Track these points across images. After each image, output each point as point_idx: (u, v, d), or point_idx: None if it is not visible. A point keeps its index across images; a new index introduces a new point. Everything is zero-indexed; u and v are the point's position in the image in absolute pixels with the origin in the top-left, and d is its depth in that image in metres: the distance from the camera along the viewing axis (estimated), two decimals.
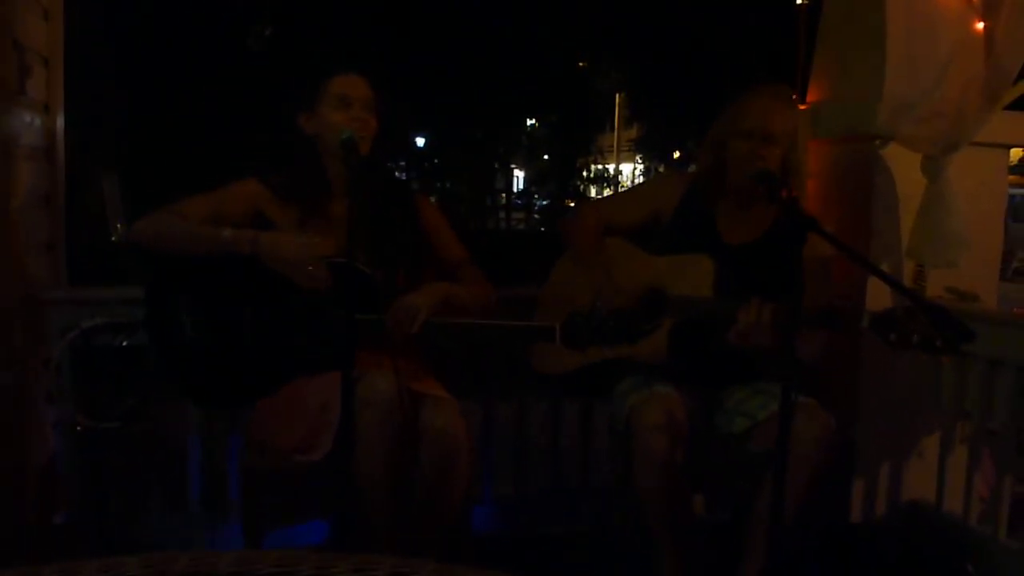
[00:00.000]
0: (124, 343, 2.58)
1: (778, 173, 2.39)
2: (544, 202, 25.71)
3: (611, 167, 28.88)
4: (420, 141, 18.35)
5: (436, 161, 18.78)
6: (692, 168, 2.96)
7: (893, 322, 2.10)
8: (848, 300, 2.29)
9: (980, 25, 2.72)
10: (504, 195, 25.99)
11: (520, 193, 28.44)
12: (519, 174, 28.88)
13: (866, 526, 3.02)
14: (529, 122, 22.97)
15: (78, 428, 2.59)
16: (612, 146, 29.59)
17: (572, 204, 22.89)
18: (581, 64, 18.15)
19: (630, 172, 30.07)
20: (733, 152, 2.47)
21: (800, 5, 3.10)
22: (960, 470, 2.84)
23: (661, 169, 23.12)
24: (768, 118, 2.42)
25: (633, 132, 26.55)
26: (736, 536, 2.41)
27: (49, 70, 2.88)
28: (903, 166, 2.89)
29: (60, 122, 2.93)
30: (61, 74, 2.93)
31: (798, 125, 2.47)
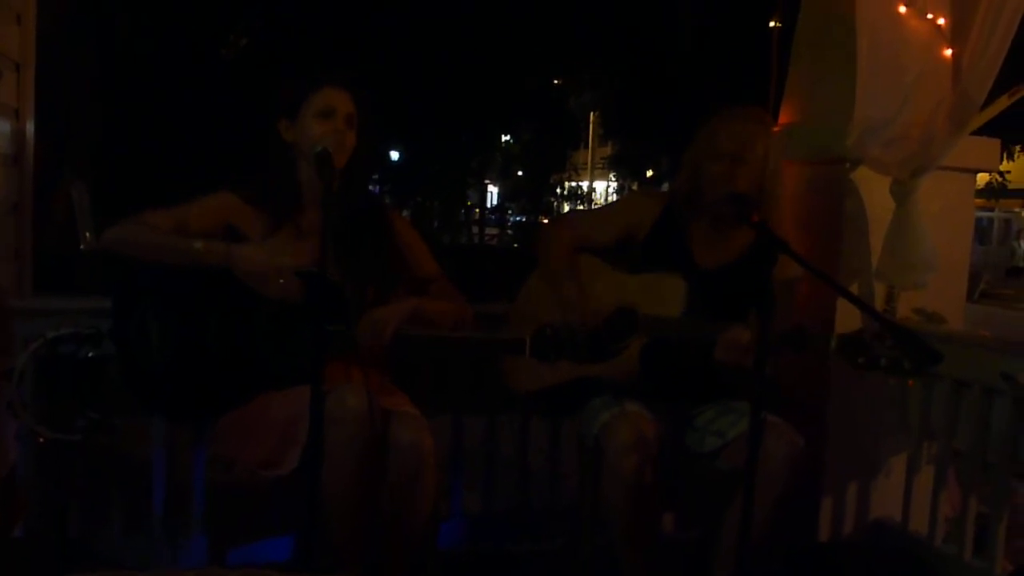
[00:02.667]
0: (89, 354, 2.54)
1: (752, 195, 2.41)
2: (518, 218, 25.75)
3: (585, 184, 29.03)
4: (394, 155, 18.33)
5: (410, 175, 18.75)
6: (666, 187, 2.99)
7: (861, 345, 2.12)
8: (815, 322, 2.32)
9: (948, 52, 2.76)
10: (478, 210, 26.02)
11: (494, 209, 28.49)
12: (493, 189, 28.94)
13: (833, 545, 3.03)
14: (504, 138, 23.02)
15: (40, 440, 2.55)
16: (586, 163, 29.76)
17: (545, 220, 22.97)
18: (556, 81, 18.24)
19: (603, 189, 30.22)
20: (707, 174, 2.48)
21: (773, 28, 3.13)
22: (926, 490, 2.86)
23: (635, 187, 23.24)
24: (742, 140, 2.44)
25: (607, 150, 26.71)
26: (704, 554, 2.42)
27: (21, 75, 2.85)
28: (873, 189, 2.92)
29: (30, 128, 2.90)
30: (32, 80, 2.90)
31: (772, 148, 2.48)
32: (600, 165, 29.17)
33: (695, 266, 2.52)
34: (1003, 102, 2.85)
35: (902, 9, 2.75)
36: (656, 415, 2.39)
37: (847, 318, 2.75)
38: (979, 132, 2.94)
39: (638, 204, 2.78)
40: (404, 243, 2.53)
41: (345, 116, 2.35)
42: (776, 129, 3.19)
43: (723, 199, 2.28)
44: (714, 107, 2.56)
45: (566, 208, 25.78)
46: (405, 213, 17.93)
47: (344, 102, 2.36)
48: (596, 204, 27.30)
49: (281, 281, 2.22)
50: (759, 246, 2.53)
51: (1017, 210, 22.89)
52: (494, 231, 26.33)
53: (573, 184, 27.09)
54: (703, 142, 2.51)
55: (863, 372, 2.13)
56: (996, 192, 16.35)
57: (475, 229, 24.96)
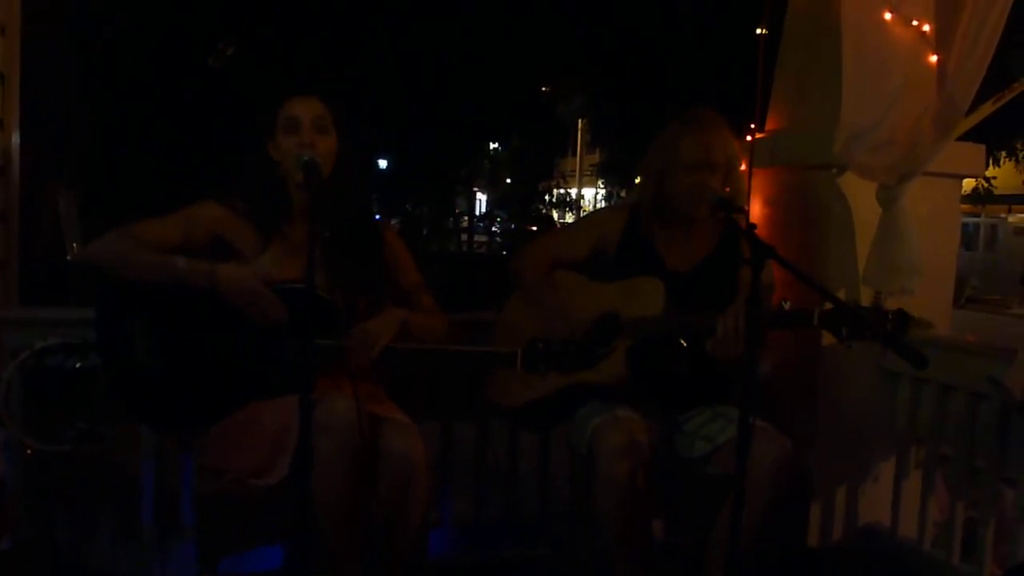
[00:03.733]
0: (77, 364, 2.53)
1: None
2: (506, 226, 25.73)
3: (573, 191, 29.05)
4: (383, 163, 18.31)
5: (399, 183, 18.73)
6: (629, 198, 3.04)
7: (844, 316, 2.15)
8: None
9: (933, 58, 2.78)
10: (466, 218, 26.00)
11: (483, 216, 28.47)
12: (482, 197, 28.94)
13: (823, 550, 3.04)
14: (492, 146, 23.03)
15: (28, 451, 2.54)
16: (575, 171, 29.79)
17: (534, 228, 22.97)
18: (544, 89, 18.27)
19: (592, 196, 30.26)
20: (679, 184, 2.51)
21: (759, 35, 3.15)
22: (914, 495, 2.88)
23: (623, 194, 23.30)
24: (712, 149, 2.48)
25: (595, 157, 26.73)
26: (695, 560, 2.42)
27: (5, 86, 2.84)
28: (859, 195, 2.93)
29: (15, 139, 2.88)
30: (17, 90, 2.89)
31: (736, 147, 2.54)
32: (588, 172, 29.19)
33: (667, 270, 2.56)
34: (988, 108, 2.87)
35: (887, 16, 2.77)
36: (647, 420, 2.40)
37: None
38: (964, 138, 2.96)
39: (603, 219, 2.86)
40: (392, 254, 2.53)
41: (312, 122, 2.33)
42: (763, 135, 3.22)
43: (710, 204, 2.30)
44: (668, 111, 2.60)
45: (555, 215, 25.83)
46: (394, 221, 17.94)
47: (309, 108, 2.35)
48: (585, 211, 27.32)
49: (267, 303, 2.20)
50: (725, 241, 2.59)
51: (1003, 216, 23.01)
52: (483, 239, 26.33)
53: (561, 191, 27.11)
54: (667, 151, 2.54)
55: (848, 343, 2.17)
56: (982, 198, 16.41)
57: (464, 236, 24.95)
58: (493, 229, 26.21)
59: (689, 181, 2.48)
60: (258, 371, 2.27)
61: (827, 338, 2.81)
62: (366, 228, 2.50)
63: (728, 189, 2.48)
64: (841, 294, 2.91)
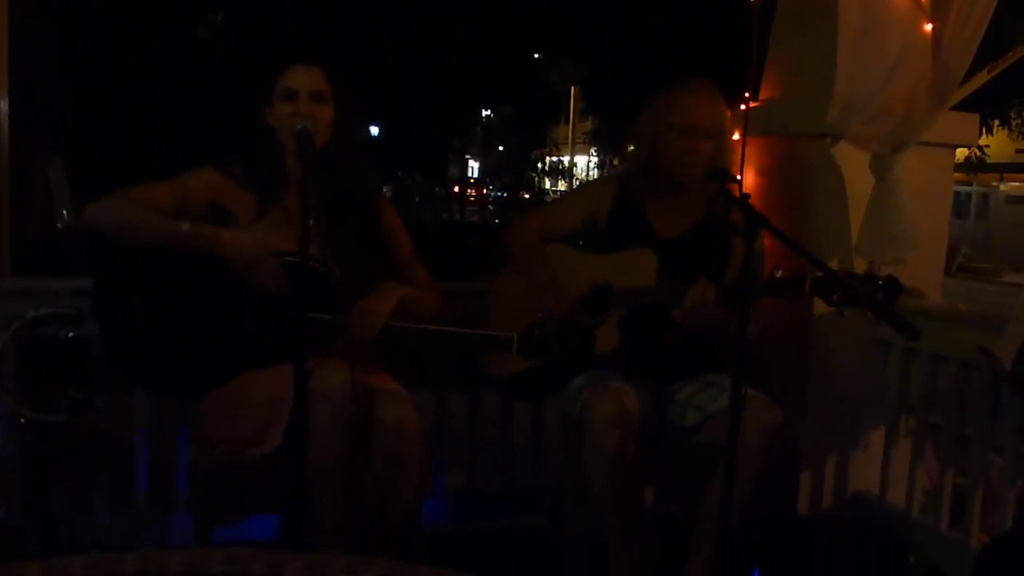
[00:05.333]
0: (70, 334, 2.53)
1: (716, 167, 2.44)
2: (499, 193, 25.69)
3: (566, 159, 28.96)
4: (374, 131, 18.22)
5: (391, 151, 18.65)
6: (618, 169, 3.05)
7: (835, 282, 2.16)
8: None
9: (928, 27, 2.76)
10: (457, 188, 25.93)
11: (475, 183, 28.38)
12: (474, 165, 28.85)
13: (812, 518, 3.07)
14: (484, 113, 22.93)
15: (22, 421, 2.54)
16: (567, 138, 29.69)
17: (527, 196, 22.94)
18: (536, 56, 18.17)
19: (584, 164, 30.17)
20: (668, 147, 2.52)
21: (753, 2, 3.12)
22: (904, 463, 2.90)
23: (616, 162, 23.24)
24: (702, 113, 2.49)
25: (588, 125, 26.62)
26: (685, 528, 2.44)
27: None
28: (853, 164, 2.93)
29: (4, 106, 2.86)
30: (5, 58, 2.85)
31: (728, 118, 2.56)
32: (581, 140, 29.09)
33: (657, 238, 2.57)
34: (982, 77, 2.86)
35: None
36: (638, 390, 2.41)
37: None
38: (958, 107, 2.95)
39: (592, 191, 2.91)
40: (387, 225, 2.52)
41: (310, 93, 2.31)
42: (757, 104, 3.21)
43: (706, 176, 2.30)
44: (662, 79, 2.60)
45: (547, 183, 25.79)
46: (386, 189, 17.89)
47: (309, 79, 2.32)
48: (578, 179, 27.28)
49: (268, 268, 2.20)
50: (714, 212, 2.59)
51: (995, 184, 23.05)
52: (475, 207, 26.28)
53: (554, 159, 27.05)
54: (662, 114, 2.54)
55: (840, 309, 2.18)
56: (974, 166, 16.45)
57: (456, 205, 24.88)
58: (489, 197, 26.18)
59: (679, 145, 2.49)
60: (255, 339, 2.27)
61: (819, 307, 2.84)
62: (363, 199, 2.49)
63: (717, 156, 2.49)
64: (834, 264, 2.91)
